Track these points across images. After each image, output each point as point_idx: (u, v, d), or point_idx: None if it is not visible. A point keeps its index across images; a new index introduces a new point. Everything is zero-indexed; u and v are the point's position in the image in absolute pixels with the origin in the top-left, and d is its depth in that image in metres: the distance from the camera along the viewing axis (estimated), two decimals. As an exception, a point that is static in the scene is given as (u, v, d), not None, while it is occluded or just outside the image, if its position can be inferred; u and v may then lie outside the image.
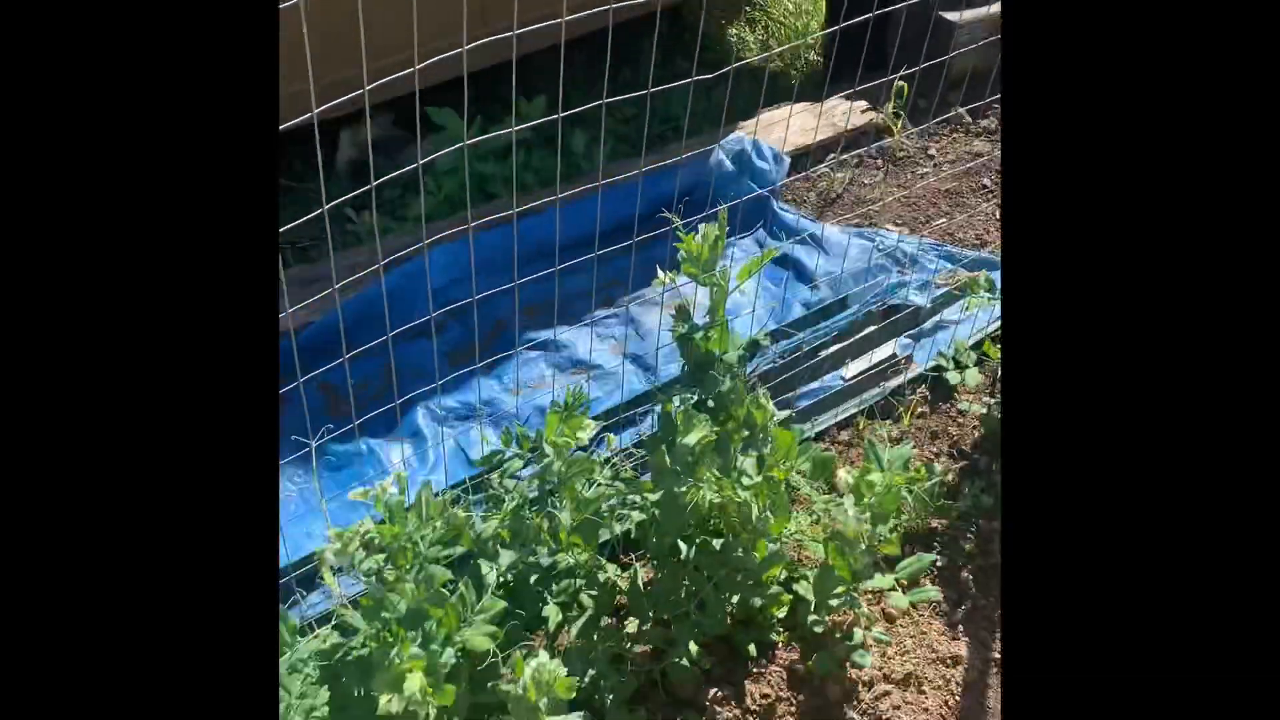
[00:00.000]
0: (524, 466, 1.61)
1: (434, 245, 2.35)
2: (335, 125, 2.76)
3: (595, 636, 1.61)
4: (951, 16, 2.80)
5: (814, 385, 2.24)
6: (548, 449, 1.55)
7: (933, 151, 2.86)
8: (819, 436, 2.17)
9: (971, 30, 2.83)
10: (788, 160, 2.62)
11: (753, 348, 2.15)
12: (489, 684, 1.36)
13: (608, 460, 1.72)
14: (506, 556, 1.49)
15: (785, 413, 2.13)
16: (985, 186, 2.77)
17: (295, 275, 2.35)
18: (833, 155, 2.77)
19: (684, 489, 1.54)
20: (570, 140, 2.72)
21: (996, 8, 2.87)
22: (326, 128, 2.44)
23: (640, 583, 1.70)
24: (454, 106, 2.68)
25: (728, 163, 2.56)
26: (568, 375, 2.24)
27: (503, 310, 2.16)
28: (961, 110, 2.89)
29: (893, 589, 1.75)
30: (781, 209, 2.56)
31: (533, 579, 1.57)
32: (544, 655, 1.31)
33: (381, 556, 1.25)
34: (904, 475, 1.71)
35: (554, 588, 1.57)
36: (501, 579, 1.50)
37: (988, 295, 2.14)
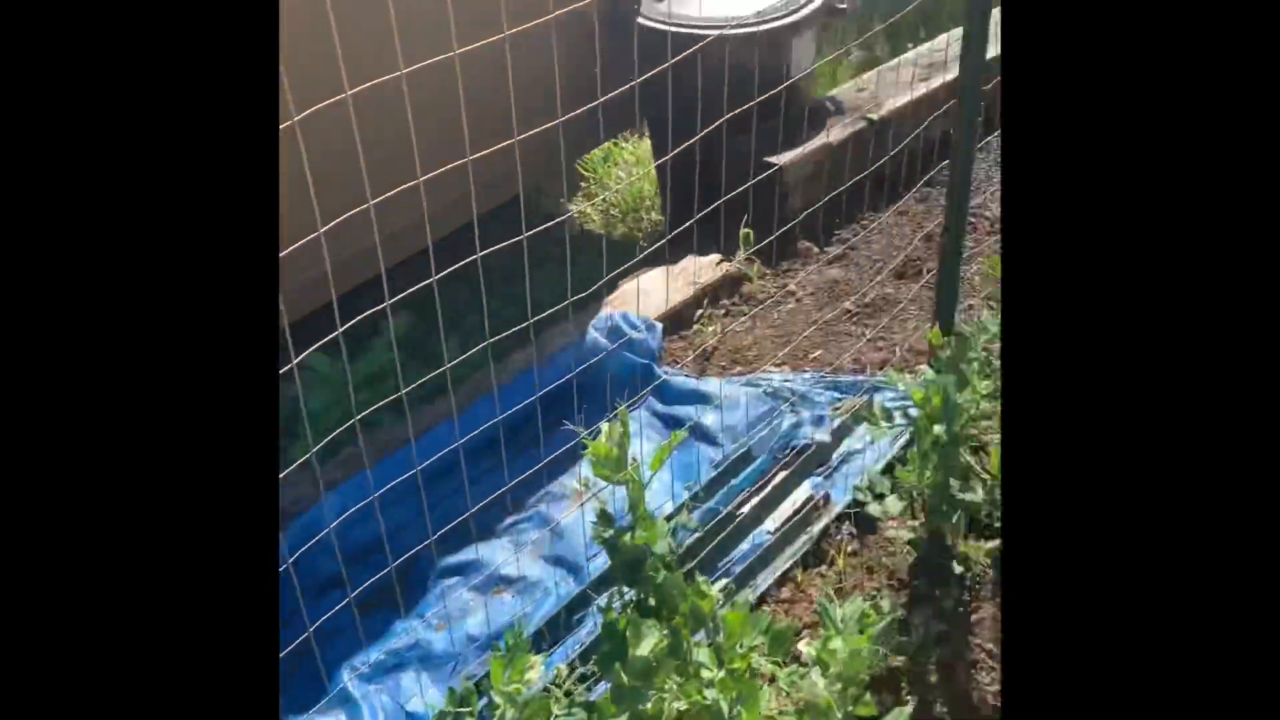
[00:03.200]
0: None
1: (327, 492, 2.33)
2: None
3: None
4: (775, 159, 2.87)
5: (744, 546, 2.18)
6: (498, 699, 1.50)
7: (792, 287, 2.86)
8: (762, 599, 2.10)
9: (796, 169, 2.96)
10: (659, 325, 2.62)
11: (679, 527, 2.11)
12: None
13: (562, 691, 1.68)
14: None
15: (724, 581, 2.09)
16: (849, 311, 2.77)
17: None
18: (700, 311, 2.78)
19: (647, 704, 1.49)
20: (442, 351, 2.70)
21: (812, 146, 2.98)
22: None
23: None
24: (310, 342, 2.65)
25: (604, 340, 2.55)
26: (491, 596, 2.18)
27: (410, 542, 2.11)
28: (807, 244, 2.97)
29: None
30: (667, 374, 2.54)
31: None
32: None
33: None
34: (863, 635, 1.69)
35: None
36: None
37: (885, 424, 2.11)
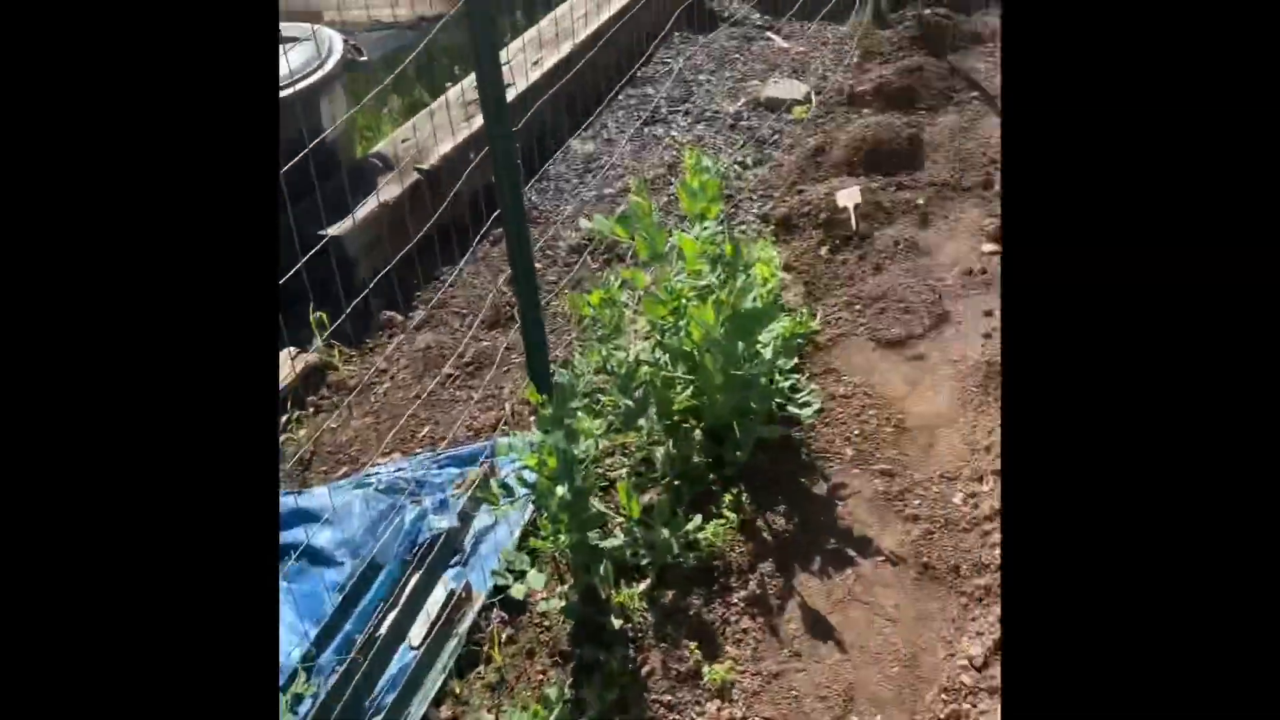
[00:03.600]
0: None
1: None
2: None
3: None
4: (328, 231, 2.64)
5: (392, 670, 1.94)
6: None
7: (382, 364, 2.66)
8: (420, 727, 1.87)
9: (355, 237, 2.76)
10: (239, 449, 2.29)
11: (296, 700, 1.83)
12: None
13: None
14: None
15: (373, 722, 1.84)
16: (450, 375, 2.61)
17: None
18: (285, 415, 2.48)
19: None
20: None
21: (367, 209, 2.78)
22: None
23: None
24: None
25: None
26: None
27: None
28: (389, 313, 2.77)
29: None
30: (260, 503, 2.22)
31: None
32: None
33: None
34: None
35: None
36: None
37: (505, 500, 1.97)
